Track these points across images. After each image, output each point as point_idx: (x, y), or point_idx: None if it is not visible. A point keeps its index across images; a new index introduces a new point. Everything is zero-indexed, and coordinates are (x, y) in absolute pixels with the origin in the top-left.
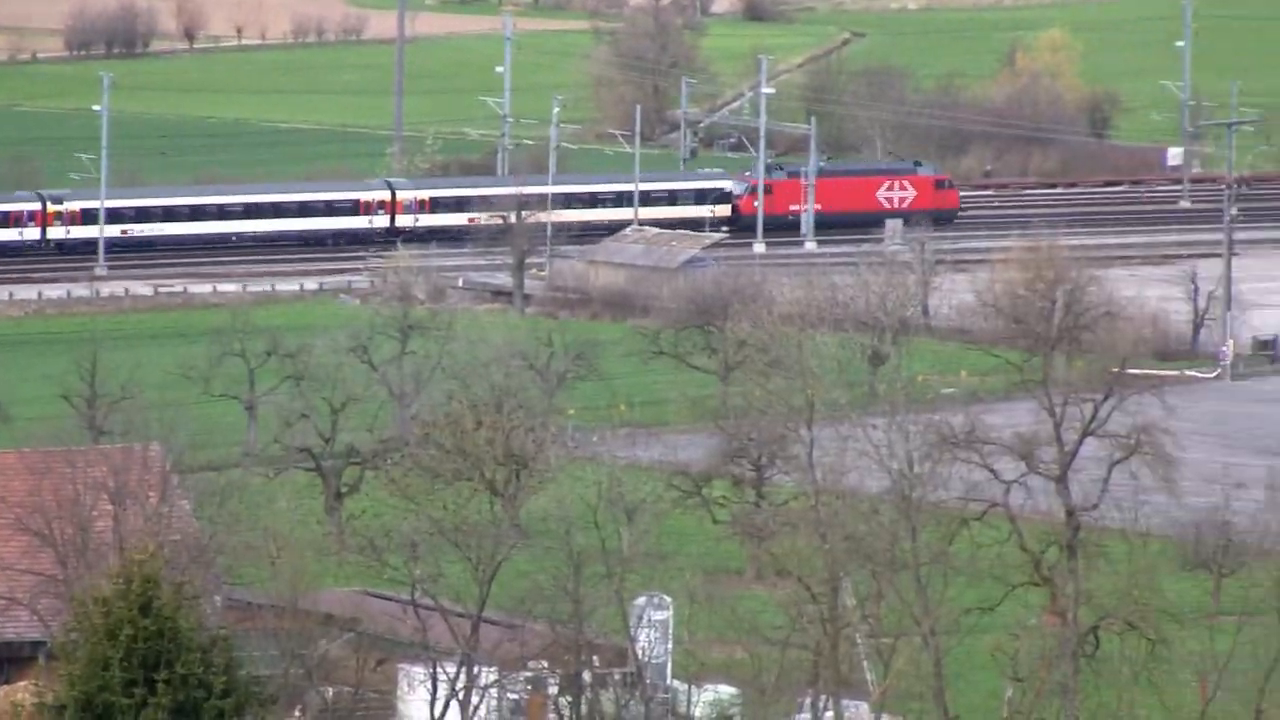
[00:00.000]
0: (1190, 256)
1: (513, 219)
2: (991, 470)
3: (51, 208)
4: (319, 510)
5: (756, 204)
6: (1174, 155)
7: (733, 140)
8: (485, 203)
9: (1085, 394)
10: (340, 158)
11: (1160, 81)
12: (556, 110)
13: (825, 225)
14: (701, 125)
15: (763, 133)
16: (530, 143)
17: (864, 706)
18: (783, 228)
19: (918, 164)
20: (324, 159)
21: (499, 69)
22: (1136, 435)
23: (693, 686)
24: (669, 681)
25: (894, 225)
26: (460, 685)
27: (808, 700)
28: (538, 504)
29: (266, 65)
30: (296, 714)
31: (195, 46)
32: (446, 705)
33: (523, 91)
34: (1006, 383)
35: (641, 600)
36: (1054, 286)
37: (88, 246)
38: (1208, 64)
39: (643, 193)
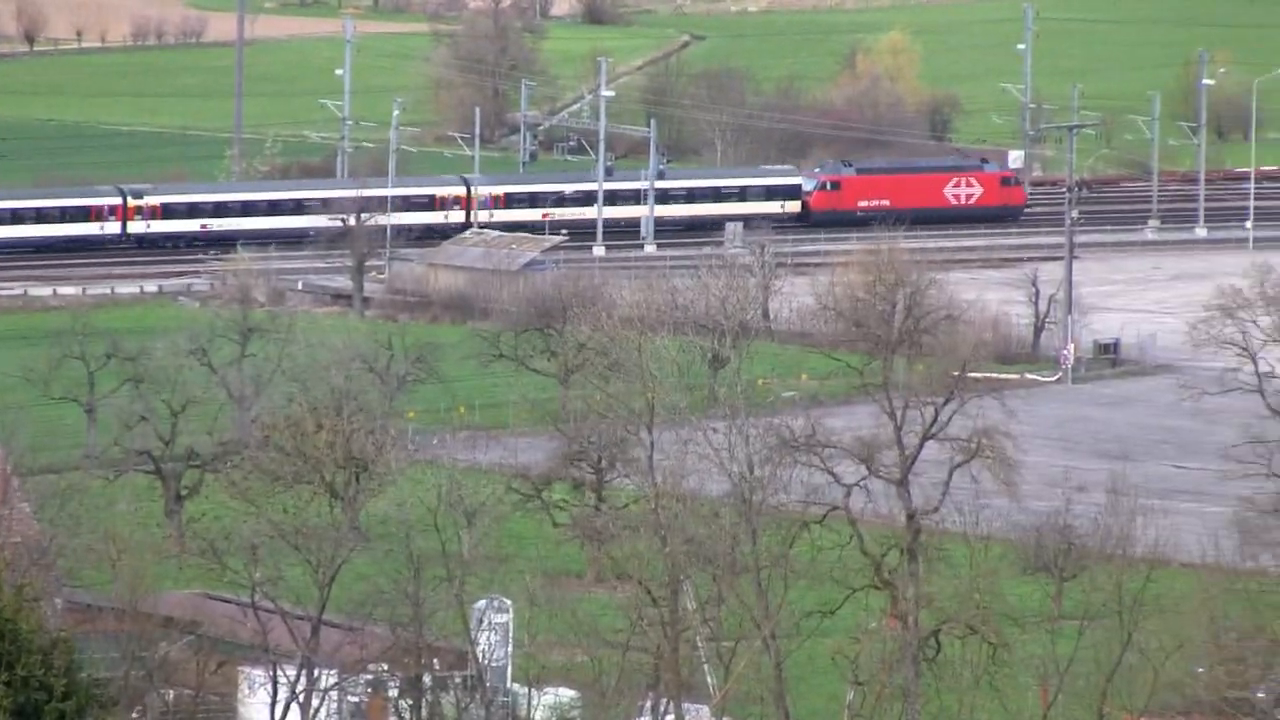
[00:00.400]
0: (1031, 260)
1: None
2: (832, 474)
3: (132, 202)
4: (159, 513)
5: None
6: (1014, 158)
7: (572, 143)
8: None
9: (926, 397)
10: (181, 160)
11: (1001, 84)
12: (396, 113)
13: (895, 222)
14: (541, 128)
15: (603, 135)
16: (370, 145)
17: (705, 710)
18: (852, 224)
19: (984, 161)
20: (164, 162)
21: (339, 71)
22: (977, 439)
23: (533, 690)
24: (509, 685)
25: (734, 228)
26: (300, 688)
27: (648, 704)
28: (378, 507)
29: (107, 68)
30: (136, 716)
31: (35, 49)
32: (287, 708)
33: (363, 94)
34: (847, 386)
35: (481, 603)
36: (894, 290)
37: (169, 240)
38: (1048, 67)
39: (713, 189)
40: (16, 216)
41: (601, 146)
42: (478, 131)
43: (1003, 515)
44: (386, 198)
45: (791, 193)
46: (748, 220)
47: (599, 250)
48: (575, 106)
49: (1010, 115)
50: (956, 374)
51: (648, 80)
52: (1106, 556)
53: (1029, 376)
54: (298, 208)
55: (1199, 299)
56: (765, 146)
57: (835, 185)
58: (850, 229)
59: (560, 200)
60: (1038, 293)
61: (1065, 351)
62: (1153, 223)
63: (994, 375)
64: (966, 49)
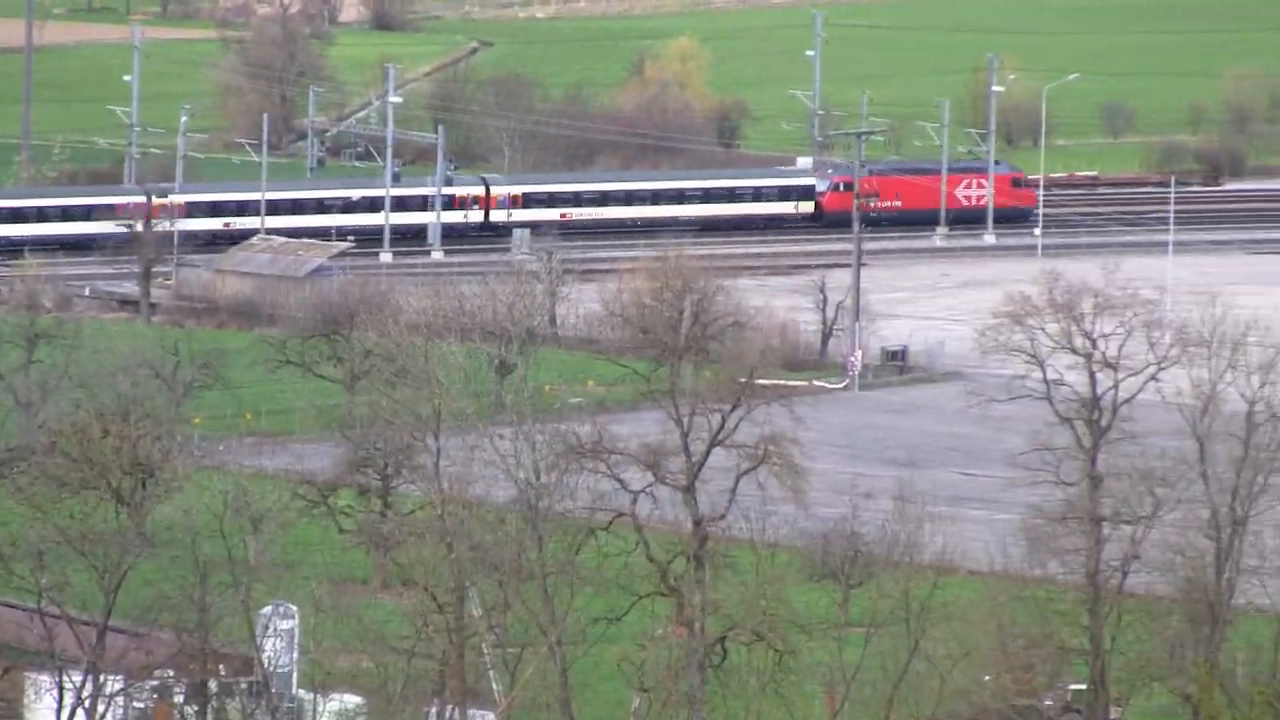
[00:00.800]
0: (819, 266)
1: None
2: (619, 480)
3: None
4: None
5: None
6: (803, 165)
7: (360, 149)
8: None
9: (713, 404)
10: None
11: (789, 90)
12: (185, 119)
13: (905, 223)
14: (329, 134)
15: (390, 141)
16: (158, 151)
17: (491, 716)
18: (865, 224)
19: (996, 162)
20: None
21: (127, 78)
22: (764, 445)
23: (319, 696)
24: (295, 691)
25: (521, 235)
26: (87, 694)
27: (434, 710)
28: (164, 513)
29: None
30: None
31: None
32: (73, 714)
33: (152, 100)
34: (634, 392)
35: (267, 609)
36: (681, 296)
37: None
38: (838, 73)
39: (728, 189)
40: None
41: (389, 153)
42: (265, 138)
43: (790, 522)
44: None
45: (806, 193)
46: (764, 220)
47: (385, 256)
48: (363, 113)
49: (799, 122)
50: (744, 381)
51: (436, 87)
52: (894, 564)
53: (817, 384)
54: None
55: (987, 306)
56: (553, 153)
57: (848, 187)
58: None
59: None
60: (825, 300)
61: (853, 359)
62: (941, 229)
63: (782, 382)
64: (755, 55)
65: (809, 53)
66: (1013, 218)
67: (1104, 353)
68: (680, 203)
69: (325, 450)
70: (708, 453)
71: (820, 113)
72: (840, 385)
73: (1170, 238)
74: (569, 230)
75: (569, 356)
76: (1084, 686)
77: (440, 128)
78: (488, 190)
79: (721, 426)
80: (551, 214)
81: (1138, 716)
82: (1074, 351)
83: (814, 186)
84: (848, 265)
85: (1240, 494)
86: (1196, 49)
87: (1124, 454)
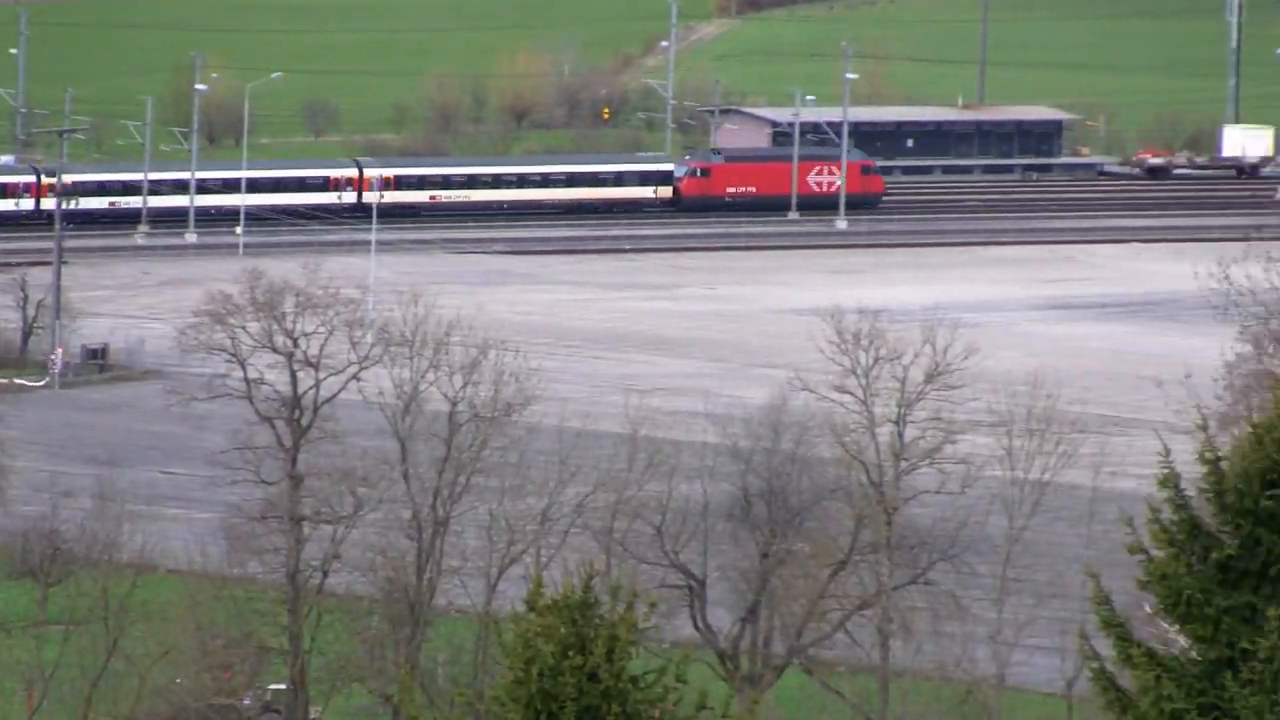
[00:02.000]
0: (21, 264)
1: None
2: None
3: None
4: None
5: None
6: (5, 162)
7: None
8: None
9: None
10: None
11: None
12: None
13: (758, 208)
14: None
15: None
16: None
17: None
18: (720, 209)
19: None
20: None
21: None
22: None
23: None
24: None
25: None
26: None
27: None
28: None
29: None
30: None
31: None
32: None
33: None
34: None
35: None
36: None
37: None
38: (43, 71)
39: (590, 174)
40: None
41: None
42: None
43: None
44: None
45: (664, 179)
46: (625, 204)
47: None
48: None
49: (2, 120)
50: None
51: None
52: (93, 562)
53: (17, 382)
54: None
55: (189, 304)
56: None
57: (705, 172)
58: (719, 214)
59: None
60: (26, 297)
61: (54, 356)
62: (143, 228)
63: None
64: None
65: (13, 50)
66: (862, 204)
67: (305, 352)
68: (545, 187)
69: None
70: None
71: (23, 110)
72: (41, 383)
73: (373, 236)
74: (437, 212)
75: None
76: (284, 686)
77: None
78: (361, 172)
79: None
80: (421, 196)
81: (338, 716)
82: (275, 350)
83: (672, 172)
84: (50, 263)
85: (442, 494)
86: (403, 49)
87: (325, 453)
